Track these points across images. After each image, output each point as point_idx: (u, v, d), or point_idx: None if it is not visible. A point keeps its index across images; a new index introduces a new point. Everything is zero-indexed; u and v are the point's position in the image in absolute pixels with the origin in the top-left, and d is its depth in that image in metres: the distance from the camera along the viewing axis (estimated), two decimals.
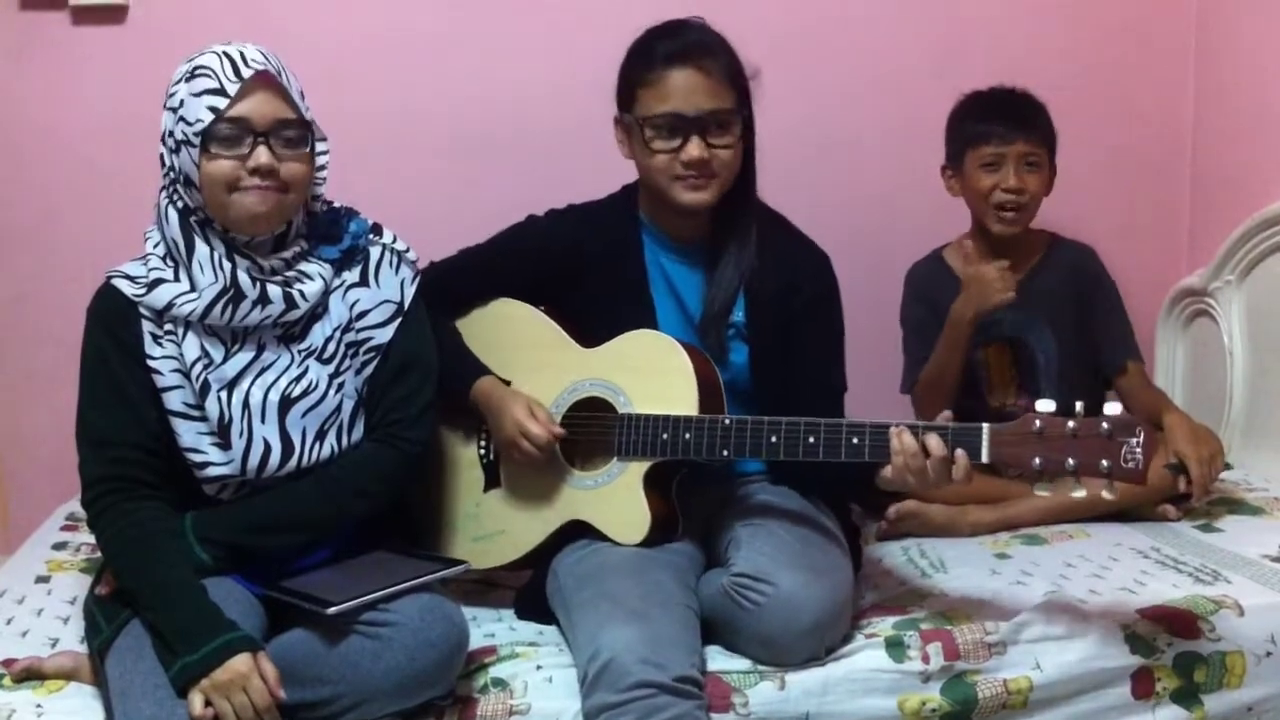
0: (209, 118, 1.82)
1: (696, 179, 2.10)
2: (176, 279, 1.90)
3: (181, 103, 1.85)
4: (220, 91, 1.83)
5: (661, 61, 2.10)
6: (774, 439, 2.00)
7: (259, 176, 1.85)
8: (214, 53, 1.86)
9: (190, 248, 1.88)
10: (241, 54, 1.86)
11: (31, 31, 2.89)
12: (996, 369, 2.74)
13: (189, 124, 1.83)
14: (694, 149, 2.08)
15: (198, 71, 1.85)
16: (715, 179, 2.11)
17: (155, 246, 1.92)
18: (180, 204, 1.89)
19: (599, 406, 2.14)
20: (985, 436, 1.87)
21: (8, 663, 1.93)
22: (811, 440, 1.97)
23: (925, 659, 1.98)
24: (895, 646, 1.99)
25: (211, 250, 1.88)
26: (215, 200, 1.87)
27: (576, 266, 2.24)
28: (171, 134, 1.87)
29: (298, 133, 1.89)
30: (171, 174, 1.89)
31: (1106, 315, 2.76)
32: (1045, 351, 2.73)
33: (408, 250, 2.07)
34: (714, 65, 2.09)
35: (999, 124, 2.64)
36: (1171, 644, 2.04)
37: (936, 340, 2.67)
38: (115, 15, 2.90)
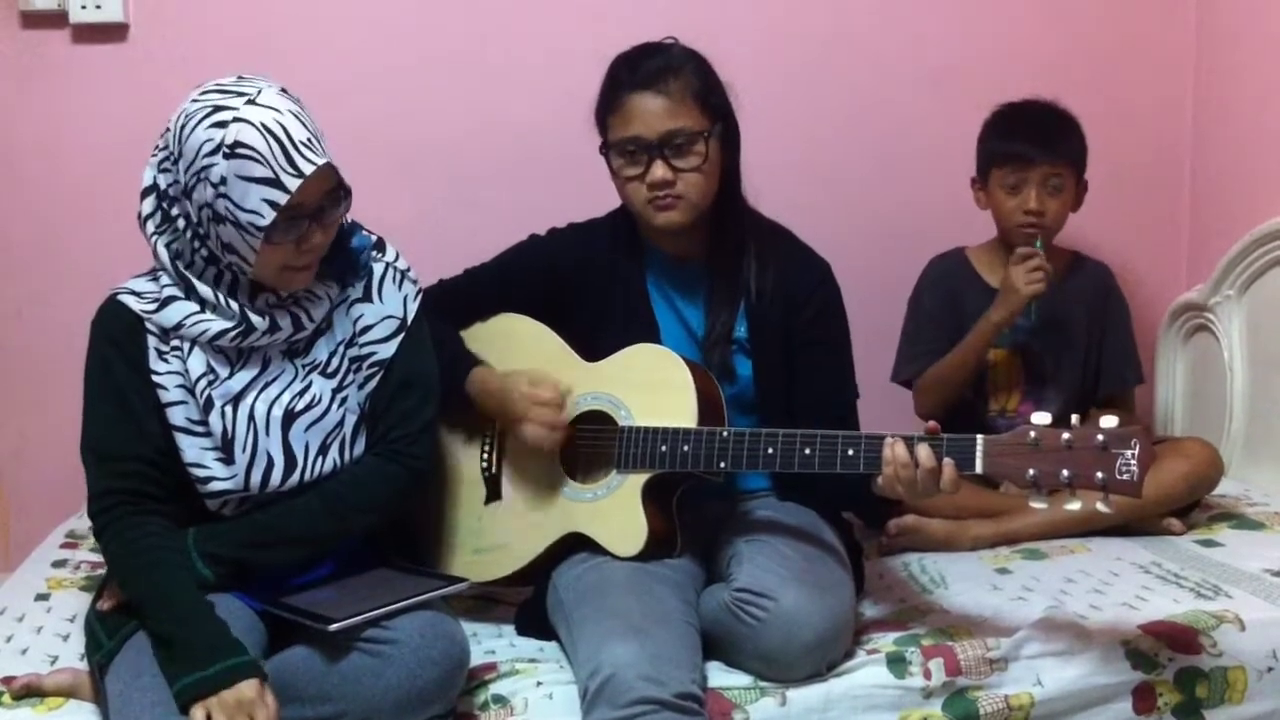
0: (270, 214, 1.78)
1: (663, 199, 2.11)
2: (188, 297, 1.89)
3: (223, 179, 1.78)
4: (277, 184, 1.77)
5: (625, 88, 2.12)
6: (770, 451, 2.00)
7: (311, 254, 1.86)
8: (250, 125, 1.77)
9: (192, 286, 1.88)
10: (285, 130, 1.79)
11: (32, 49, 2.90)
12: (1004, 373, 2.75)
13: (240, 209, 1.78)
14: (658, 170, 2.09)
15: (239, 150, 1.76)
16: (683, 199, 2.12)
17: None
18: (201, 255, 1.87)
19: (601, 420, 2.15)
20: (979, 447, 1.87)
21: (7, 680, 1.93)
22: (808, 452, 1.97)
23: (927, 675, 1.98)
24: (897, 662, 1.99)
25: (215, 291, 1.88)
26: (265, 275, 1.87)
27: (580, 284, 2.25)
28: (209, 205, 1.81)
29: (339, 196, 1.89)
30: (184, 221, 1.86)
31: (1115, 335, 2.80)
32: (1055, 363, 2.75)
33: (409, 269, 2.07)
34: (676, 86, 2.10)
35: (1022, 145, 2.65)
36: (1173, 659, 2.03)
37: (941, 333, 2.71)
38: (116, 33, 2.91)
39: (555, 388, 2.11)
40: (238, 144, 1.78)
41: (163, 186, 1.87)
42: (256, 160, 1.77)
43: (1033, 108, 2.72)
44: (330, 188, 1.86)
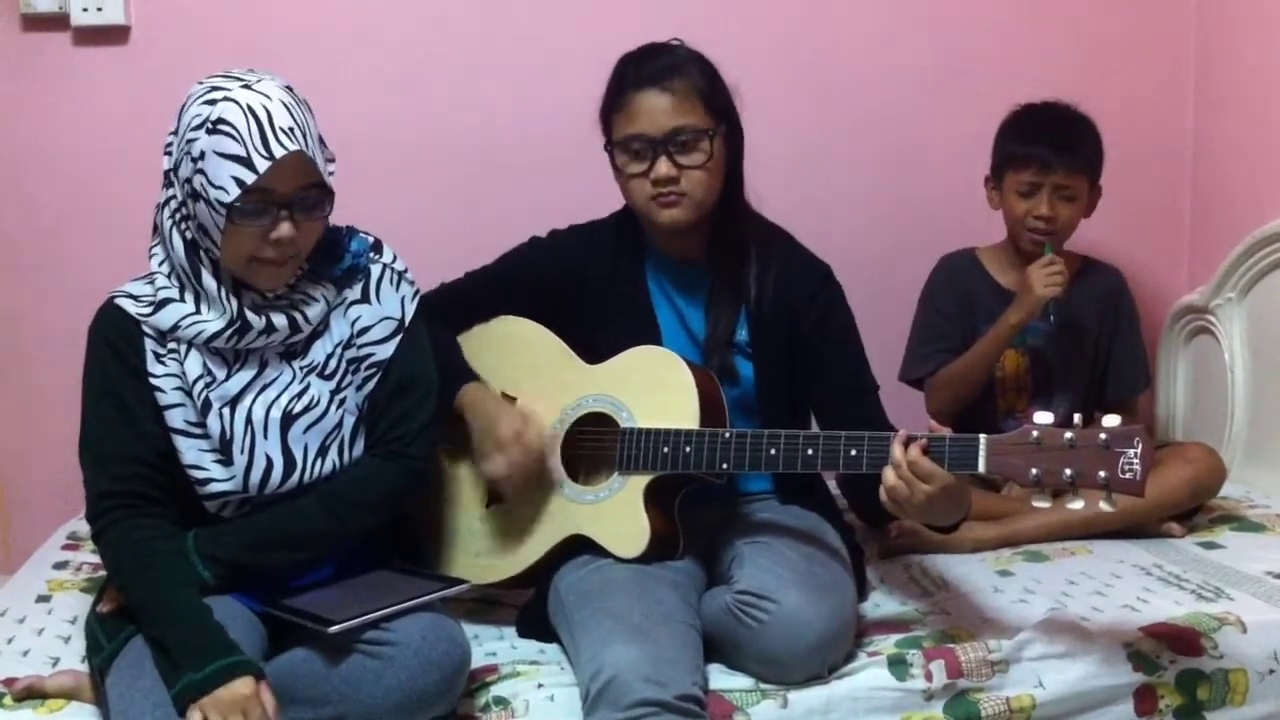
0: (235, 191, 1.78)
1: (667, 196, 2.11)
2: (183, 299, 1.90)
3: (202, 154, 1.80)
4: (247, 163, 1.77)
5: (630, 86, 2.12)
6: (773, 451, 2.00)
7: (279, 247, 1.85)
8: (237, 104, 1.79)
9: (197, 276, 1.89)
10: (269, 114, 1.79)
11: (33, 52, 2.90)
12: (1012, 375, 2.75)
13: (211, 184, 1.79)
14: (663, 167, 2.09)
15: (220, 126, 1.78)
16: (687, 197, 2.12)
17: (160, 264, 1.92)
18: (189, 235, 1.88)
19: (603, 421, 2.15)
20: (982, 446, 1.86)
21: (9, 682, 1.93)
22: (810, 452, 1.97)
23: (928, 677, 1.98)
24: (898, 665, 1.99)
25: (219, 285, 1.88)
26: (234, 260, 1.86)
27: (581, 287, 2.25)
28: (189, 181, 1.83)
29: (318, 196, 1.87)
30: (177, 201, 1.87)
31: (1124, 339, 2.80)
32: (1063, 366, 2.75)
33: (406, 270, 2.07)
34: (681, 84, 2.10)
35: (1041, 149, 2.64)
36: (1174, 661, 2.03)
37: (953, 332, 2.72)
38: (117, 36, 2.91)
39: (540, 438, 2.12)
40: (220, 120, 1.79)
41: (166, 167, 1.89)
42: (233, 138, 1.78)
43: (1053, 111, 2.71)
44: (307, 183, 1.85)
